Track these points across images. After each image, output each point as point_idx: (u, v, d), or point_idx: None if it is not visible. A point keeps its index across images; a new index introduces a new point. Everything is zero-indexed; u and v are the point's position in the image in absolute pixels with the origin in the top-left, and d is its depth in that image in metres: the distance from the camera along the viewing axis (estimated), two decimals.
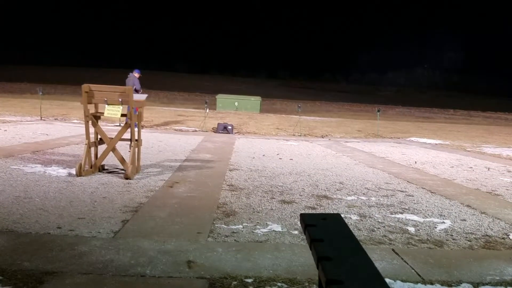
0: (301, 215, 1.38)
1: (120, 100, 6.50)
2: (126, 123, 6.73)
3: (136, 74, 13.32)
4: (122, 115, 6.70)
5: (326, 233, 1.22)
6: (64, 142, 9.64)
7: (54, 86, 37.08)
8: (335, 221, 1.33)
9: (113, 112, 6.58)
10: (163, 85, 47.82)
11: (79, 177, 6.30)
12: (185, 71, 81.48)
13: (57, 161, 7.46)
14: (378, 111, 16.56)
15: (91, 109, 6.75)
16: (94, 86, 6.53)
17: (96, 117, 6.75)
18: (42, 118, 14.51)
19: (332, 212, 5.35)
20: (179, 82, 57.58)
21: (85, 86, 6.46)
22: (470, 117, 34.30)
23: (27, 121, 13.83)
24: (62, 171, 6.66)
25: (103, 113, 6.63)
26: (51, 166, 6.97)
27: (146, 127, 14.38)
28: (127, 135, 6.79)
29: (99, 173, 6.77)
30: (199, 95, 39.48)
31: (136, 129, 6.84)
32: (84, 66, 70.66)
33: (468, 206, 6.01)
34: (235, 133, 14.02)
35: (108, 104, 6.54)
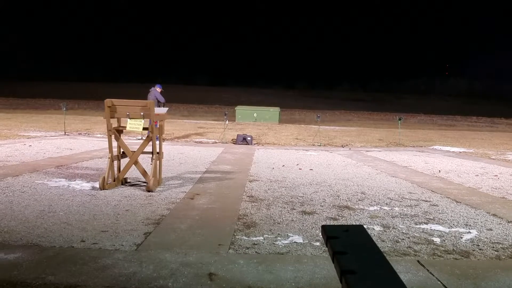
0: (323, 226, 1.37)
1: (142, 114, 6.60)
2: (147, 136, 6.81)
3: (158, 89, 13.57)
4: (144, 128, 6.79)
5: (349, 245, 1.21)
6: (88, 156, 9.80)
7: (77, 101, 37.86)
8: (358, 232, 1.31)
9: (135, 126, 6.68)
10: (183, 98, 48.29)
11: (102, 191, 6.39)
12: (204, 83, 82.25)
13: (80, 175, 7.59)
14: (400, 119, 16.36)
15: (114, 123, 6.88)
16: (116, 101, 6.64)
17: (118, 131, 6.86)
18: (66, 133, 14.79)
19: (354, 223, 5.29)
20: (199, 95, 58.08)
21: (108, 101, 6.57)
22: (494, 124, 33.59)
23: (51, 136, 14.12)
24: (85, 185, 6.77)
25: (126, 127, 6.74)
26: (75, 180, 7.09)
27: (167, 139, 14.52)
28: (148, 148, 6.88)
29: (122, 186, 6.85)
30: (219, 107, 39.75)
31: (157, 142, 6.92)
32: (105, 81, 71.92)
33: (494, 215, 5.87)
34: (254, 144, 14.03)
35: (130, 118, 6.65)
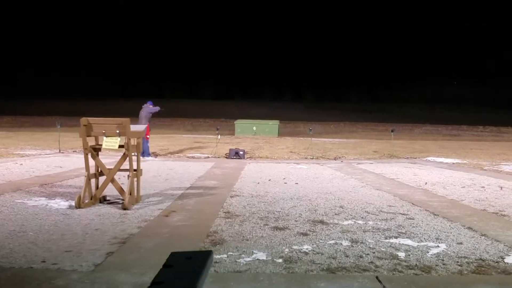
0: (171, 254, 1.38)
1: (117, 131, 6.66)
2: (123, 154, 6.86)
3: (150, 106, 13.86)
4: (120, 146, 6.84)
5: (173, 275, 1.21)
6: (75, 174, 9.85)
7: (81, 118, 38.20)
8: (199, 260, 1.31)
9: (111, 143, 6.74)
10: (189, 112, 48.70)
11: (78, 209, 6.42)
12: (210, 97, 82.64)
13: (62, 193, 7.63)
14: (392, 131, 16.32)
15: (91, 141, 6.94)
16: (92, 119, 6.72)
17: (95, 149, 6.91)
18: (61, 151, 14.90)
19: (324, 238, 5.25)
20: (205, 109, 58.37)
21: (84, 120, 6.65)
22: (500, 133, 33.21)
23: (46, 154, 14.24)
24: (63, 204, 6.81)
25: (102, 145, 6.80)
26: (54, 199, 7.13)
27: (160, 155, 14.58)
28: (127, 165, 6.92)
29: (100, 204, 6.89)
30: (224, 121, 39.82)
31: (136, 159, 6.97)
32: (111, 96, 72.59)
33: (469, 228, 5.80)
34: (247, 158, 14.03)
35: (106, 136, 6.71)
